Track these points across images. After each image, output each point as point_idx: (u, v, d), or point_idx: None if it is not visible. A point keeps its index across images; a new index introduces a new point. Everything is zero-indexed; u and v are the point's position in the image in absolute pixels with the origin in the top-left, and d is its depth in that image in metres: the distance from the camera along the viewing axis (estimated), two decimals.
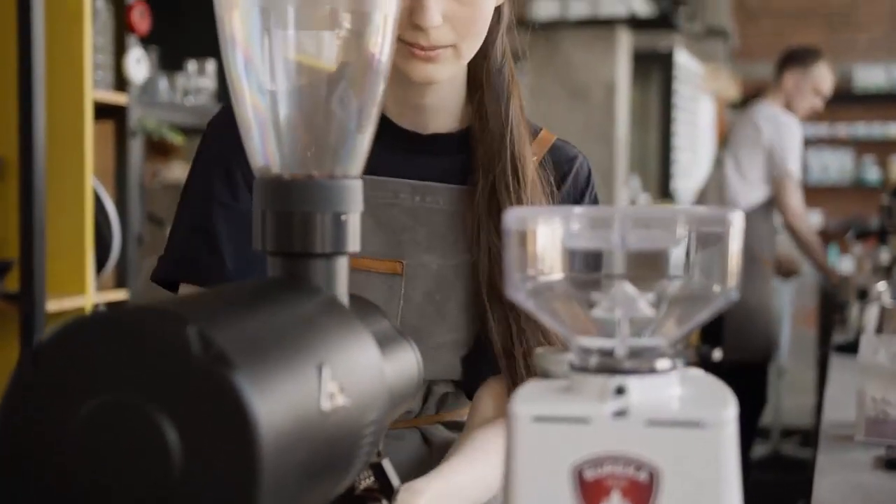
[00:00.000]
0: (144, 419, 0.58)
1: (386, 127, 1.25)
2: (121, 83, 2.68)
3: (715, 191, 4.38)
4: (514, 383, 1.19)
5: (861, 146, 10.00)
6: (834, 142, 10.02)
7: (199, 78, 2.99)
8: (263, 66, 0.79)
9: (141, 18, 2.65)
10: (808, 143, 10.05)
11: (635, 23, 5.46)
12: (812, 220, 10.01)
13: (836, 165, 10.02)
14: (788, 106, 4.22)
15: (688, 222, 0.68)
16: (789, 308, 6.09)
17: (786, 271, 4.62)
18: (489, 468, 1.17)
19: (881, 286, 3.13)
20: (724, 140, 4.66)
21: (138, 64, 2.66)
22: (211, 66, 3.02)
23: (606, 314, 0.70)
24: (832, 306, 4.88)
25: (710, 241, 0.69)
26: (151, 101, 2.82)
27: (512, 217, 0.69)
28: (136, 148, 2.68)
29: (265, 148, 0.81)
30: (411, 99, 1.25)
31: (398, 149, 1.25)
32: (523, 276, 0.70)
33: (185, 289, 1.23)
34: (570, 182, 1.30)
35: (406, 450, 1.26)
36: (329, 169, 0.81)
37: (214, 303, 0.69)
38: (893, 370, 2.06)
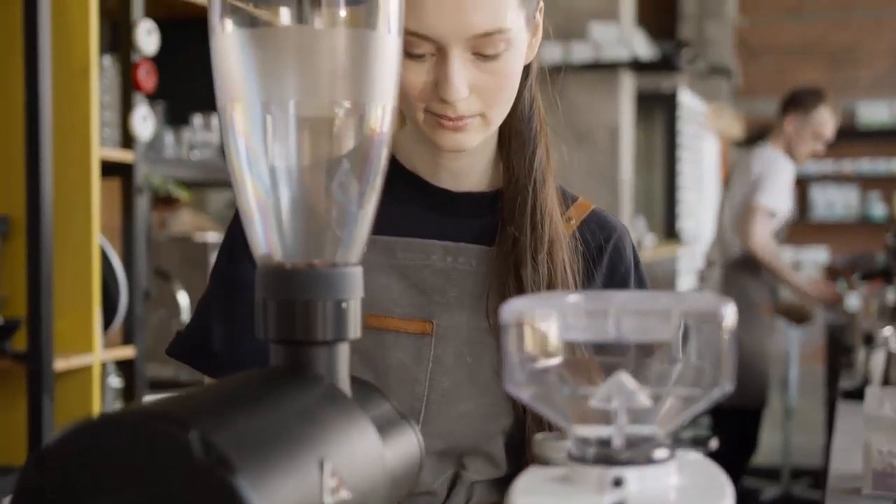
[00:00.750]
0: None
1: (420, 187, 1.25)
2: (127, 140, 2.70)
3: (719, 239, 4.41)
4: None
5: (866, 182, 10.02)
6: (839, 178, 10.05)
7: (204, 132, 3.02)
8: (264, 156, 0.81)
9: (147, 76, 2.68)
10: (813, 179, 10.08)
11: (638, 66, 5.50)
12: (818, 256, 10.02)
13: (841, 202, 10.04)
14: (789, 149, 4.23)
15: (682, 314, 0.69)
16: (797, 347, 6.08)
17: (797, 318, 4.62)
18: None
19: (887, 331, 3.11)
20: (727, 183, 4.68)
21: (144, 121, 2.68)
22: (216, 120, 3.05)
23: (604, 404, 0.71)
24: (839, 346, 4.86)
25: (704, 331, 0.70)
26: (157, 157, 2.85)
27: (508, 310, 0.71)
28: (142, 204, 2.71)
29: (267, 236, 0.82)
30: (443, 161, 1.24)
31: (432, 209, 1.24)
32: (521, 366, 0.71)
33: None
34: (609, 256, 1.26)
35: None
36: (331, 256, 0.82)
37: (216, 401, 0.70)
38: None
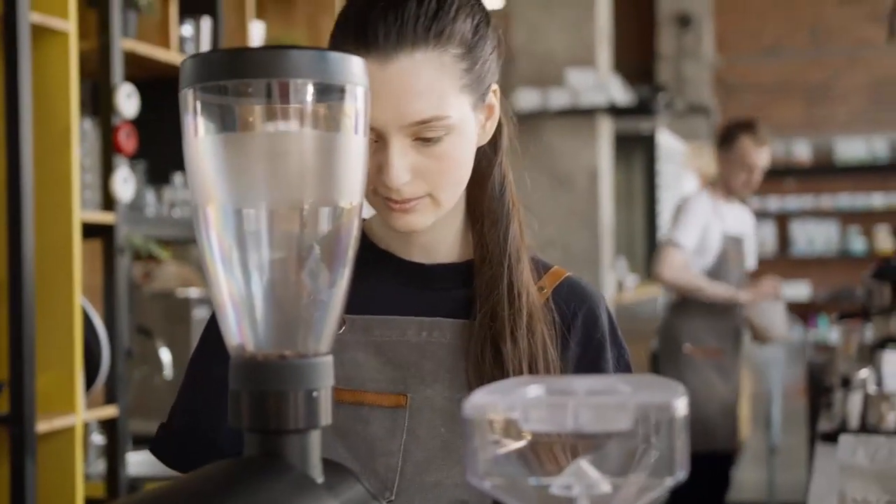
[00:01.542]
0: None
1: (394, 264, 1.27)
2: (108, 202, 2.73)
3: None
4: None
5: (845, 217, 10.11)
6: (818, 213, 10.13)
7: (185, 190, 3.05)
8: (237, 253, 0.84)
9: (127, 139, 2.71)
10: (794, 215, 10.17)
11: (615, 110, 5.57)
12: (799, 291, 10.08)
13: (821, 237, 10.12)
14: (726, 186, 4.22)
15: (636, 407, 0.72)
16: (780, 385, 6.12)
17: (759, 338, 4.63)
18: None
19: (863, 373, 3.14)
20: None
21: (125, 183, 2.72)
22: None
23: (565, 492, 0.74)
24: (820, 385, 4.90)
25: (657, 422, 0.73)
26: (139, 217, 2.88)
27: (470, 406, 0.74)
28: (123, 265, 2.73)
29: (240, 328, 0.85)
30: (412, 237, 1.26)
31: (407, 283, 1.26)
32: (483, 458, 0.74)
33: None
34: (583, 323, 1.27)
35: None
36: (302, 346, 0.85)
37: (189, 496, 0.73)
38: (873, 470, 2.09)
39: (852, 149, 9.99)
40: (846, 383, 3.40)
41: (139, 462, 2.85)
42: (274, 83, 0.82)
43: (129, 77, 2.84)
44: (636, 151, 7.17)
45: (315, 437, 0.84)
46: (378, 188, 1.17)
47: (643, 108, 5.84)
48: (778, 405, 6.09)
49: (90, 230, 2.69)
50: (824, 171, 10.09)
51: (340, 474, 0.91)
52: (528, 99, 5.41)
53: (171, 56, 2.99)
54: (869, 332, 4.16)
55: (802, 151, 10.12)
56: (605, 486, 0.74)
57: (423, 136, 1.13)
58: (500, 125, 1.29)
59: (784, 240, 10.26)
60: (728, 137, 4.18)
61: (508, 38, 5.65)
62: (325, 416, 0.84)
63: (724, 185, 4.20)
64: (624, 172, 7.07)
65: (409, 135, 1.14)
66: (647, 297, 6.84)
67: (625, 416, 0.73)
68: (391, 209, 1.18)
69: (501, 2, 6.12)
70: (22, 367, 2.42)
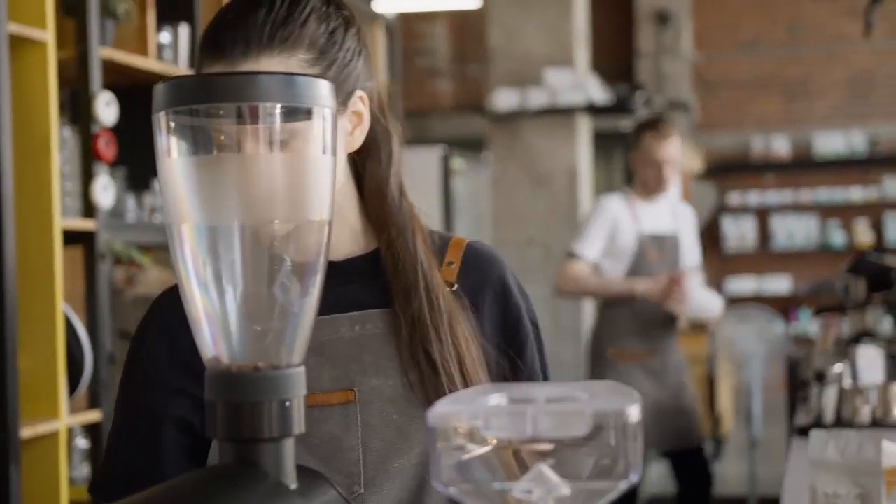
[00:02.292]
0: None
1: None
2: (89, 209, 2.75)
3: None
4: None
5: (825, 211, 10.18)
6: (798, 208, 10.20)
7: None
8: (210, 269, 0.87)
9: (107, 147, 2.74)
10: (774, 209, 10.24)
11: (594, 109, 5.61)
12: (780, 285, 10.16)
13: (801, 231, 10.19)
14: (643, 186, 4.19)
15: (593, 414, 0.76)
16: (759, 379, 6.18)
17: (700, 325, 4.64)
18: None
19: (838, 367, 3.18)
20: None
21: (105, 190, 2.74)
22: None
23: (526, 496, 0.78)
24: (797, 379, 4.95)
25: (611, 428, 0.77)
26: (119, 224, 2.90)
27: (434, 415, 0.77)
28: (104, 271, 2.76)
29: (214, 341, 0.88)
30: None
31: (324, 283, 1.32)
32: (446, 464, 0.78)
33: None
34: (497, 295, 1.33)
35: None
36: (275, 357, 0.88)
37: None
38: (843, 464, 2.13)
39: (831, 143, 10.07)
40: (821, 378, 3.44)
41: None
42: (244, 107, 0.85)
43: (108, 84, 2.86)
44: (615, 149, 7.22)
45: (289, 445, 0.87)
46: None
47: (621, 107, 5.89)
48: (758, 399, 6.14)
49: (71, 237, 2.71)
50: (803, 166, 10.16)
51: (313, 480, 0.95)
52: (506, 99, 5.45)
53: (150, 63, 3.01)
54: (847, 326, 4.21)
55: (781, 146, 10.19)
56: (564, 489, 0.77)
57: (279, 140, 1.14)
58: (387, 134, 1.32)
59: (764, 234, 10.32)
60: (634, 138, 4.20)
61: (486, 39, 5.69)
62: (298, 424, 0.87)
63: (640, 184, 4.20)
64: (603, 170, 7.12)
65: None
66: None
67: (582, 422, 0.76)
68: None
69: (478, 2, 6.16)
70: (5, 374, 2.44)
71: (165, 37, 3.13)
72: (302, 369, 0.88)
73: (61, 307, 2.59)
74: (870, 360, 3.38)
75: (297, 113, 0.87)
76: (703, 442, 4.41)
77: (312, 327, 1.27)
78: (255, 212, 0.87)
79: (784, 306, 9.85)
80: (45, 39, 2.57)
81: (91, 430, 2.84)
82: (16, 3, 2.53)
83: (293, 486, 0.86)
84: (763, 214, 10.30)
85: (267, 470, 0.86)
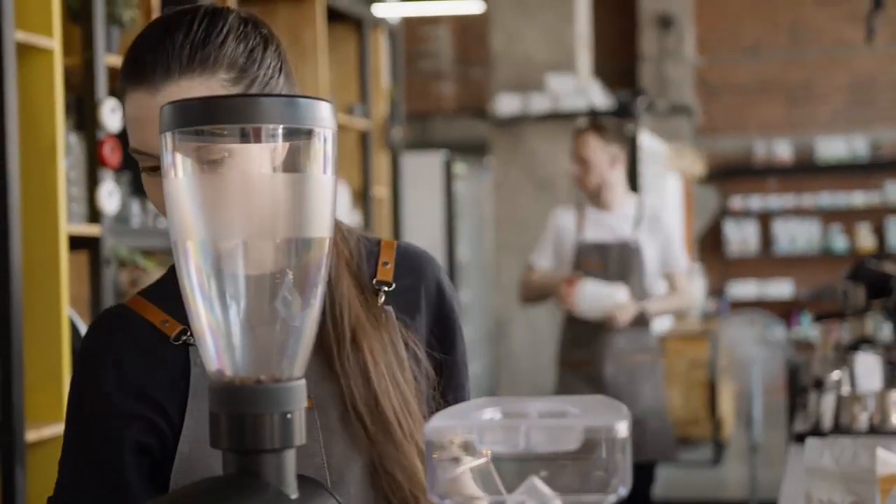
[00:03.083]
0: None
1: None
2: (94, 215, 2.78)
3: None
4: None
5: (827, 216, 10.21)
6: (800, 212, 10.22)
7: None
8: (215, 284, 0.90)
9: (112, 153, 2.77)
10: (776, 214, 10.26)
11: (596, 114, 5.64)
12: (782, 290, 10.18)
13: (803, 235, 10.21)
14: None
15: (583, 430, 0.79)
16: (759, 383, 6.20)
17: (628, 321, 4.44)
18: None
19: (836, 375, 3.19)
20: None
21: (110, 196, 2.77)
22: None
23: None
24: (797, 384, 4.97)
25: (601, 443, 0.79)
26: (124, 230, 2.93)
27: (430, 429, 0.80)
28: (109, 276, 2.79)
29: (217, 355, 0.91)
30: None
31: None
32: (442, 477, 0.80)
33: None
34: (433, 295, 1.35)
35: None
36: (277, 370, 0.91)
37: None
38: (838, 471, 2.16)
39: (833, 148, 10.09)
40: (819, 384, 3.47)
41: None
42: (248, 128, 0.88)
43: (113, 90, 2.89)
44: None
45: (290, 456, 0.90)
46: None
47: (623, 112, 5.91)
48: (759, 403, 6.16)
49: (76, 242, 2.74)
50: (805, 171, 10.19)
51: (314, 490, 0.98)
52: (508, 104, 5.48)
53: None
54: (846, 332, 4.23)
55: (784, 151, 10.21)
56: (556, 501, 0.80)
57: (208, 160, 1.10)
58: None
59: (766, 239, 10.35)
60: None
61: (488, 44, 5.72)
62: (300, 435, 0.90)
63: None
64: None
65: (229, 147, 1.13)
66: None
67: (573, 437, 0.79)
68: None
69: (481, 7, 6.18)
70: (11, 378, 2.47)
71: None
72: (303, 382, 0.91)
73: (66, 312, 2.62)
74: (868, 367, 3.39)
75: (298, 134, 0.90)
76: (664, 454, 4.27)
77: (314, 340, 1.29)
78: (258, 229, 0.89)
79: (786, 311, 9.88)
80: (52, 47, 2.60)
81: None
82: (23, 11, 2.56)
83: (294, 495, 0.89)
84: (765, 219, 10.33)
85: (268, 480, 0.88)
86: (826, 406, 3.04)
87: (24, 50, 2.57)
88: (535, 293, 4.25)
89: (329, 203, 0.92)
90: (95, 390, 1.25)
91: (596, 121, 4.24)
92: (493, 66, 5.68)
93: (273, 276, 0.90)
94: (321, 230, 0.91)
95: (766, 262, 10.33)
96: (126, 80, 1.20)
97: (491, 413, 0.83)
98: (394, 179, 4.86)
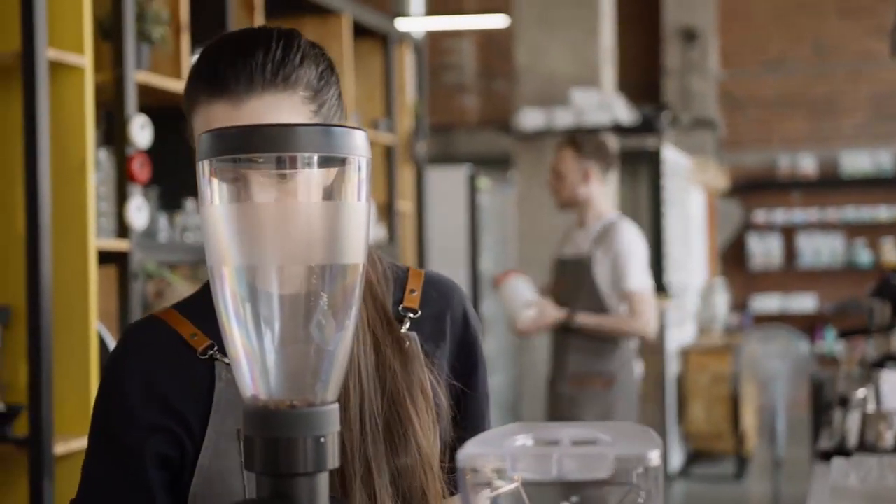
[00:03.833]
0: None
1: None
2: (123, 230, 2.81)
3: None
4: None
5: (851, 230, 10.16)
6: (825, 226, 10.18)
7: (197, 216, 3.14)
8: (250, 311, 0.91)
9: (141, 169, 2.80)
10: (800, 227, 10.23)
11: (620, 129, 5.64)
12: (806, 303, 10.13)
13: (827, 249, 10.17)
14: None
15: (615, 459, 0.80)
16: (783, 399, 6.18)
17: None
18: None
19: (861, 393, 3.18)
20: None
21: (139, 211, 2.80)
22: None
23: None
24: (822, 400, 4.95)
25: (637, 473, 0.80)
26: (152, 244, 2.96)
27: (463, 456, 0.81)
28: (137, 291, 2.81)
29: (252, 380, 0.92)
30: None
31: None
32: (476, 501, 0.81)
33: None
34: (458, 322, 1.37)
35: None
36: (310, 395, 0.92)
37: None
38: (863, 490, 2.15)
39: (857, 162, 10.05)
40: (845, 402, 3.45)
41: None
42: (284, 156, 0.90)
43: (142, 106, 2.92)
44: (641, 167, 7.23)
45: (323, 480, 0.91)
46: None
47: (647, 127, 5.91)
48: (782, 419, 6.14)
49: (105, 257, 2.77)
50: (830, 184, 10.14)
51: None
52: (532, 119, 5.49)
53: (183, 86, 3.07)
54: (872, 348, 4.20)
55: (808, 165, 10.18)
56: None
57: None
58: None
59: (790, 252, 10.31)
60: None
61: (512, 58, 5.73)
62: (332, 459, 0.91)
63: None
64: (629, 188, 7.13)
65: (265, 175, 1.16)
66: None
67: (605, 465, 0.80)
68: None
69: (505, 22, 6.20)
70: (40, 392, 2.49)
71: None
72: (335, 406, 0.92)
73: (95, 326, 2.64)
74: (894, 384, 3.38)
75: (333, 162, 0.91)
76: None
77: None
78: (293, 256, 0.91)
79: (809, 325, 9.83)
80: (83, 65, 2.63)
81: None
82: (55, 29, 2.59)
83: None
84: (789, 233, 10.29)
85: (301, 503, 0.89)
86: (851, 424, 3.03)
87: (55, 67, 2.60)
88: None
89: (363, 229, 0.93)
90: (121, 400, 1.26)
91: (575, 136, 4.23)
92: (518, 81, 5.69)
93: (307, 300, 0.91)
94: (355, 256, 0.92)
95: (790, 275, 10.28)
96: (202, 92, 1.22)
97: (523, 439, 0.84)
98: (418, 193, 4.88)
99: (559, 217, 5.61)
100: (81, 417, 2.59)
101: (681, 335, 7.63)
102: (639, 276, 4.02)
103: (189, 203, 3.17)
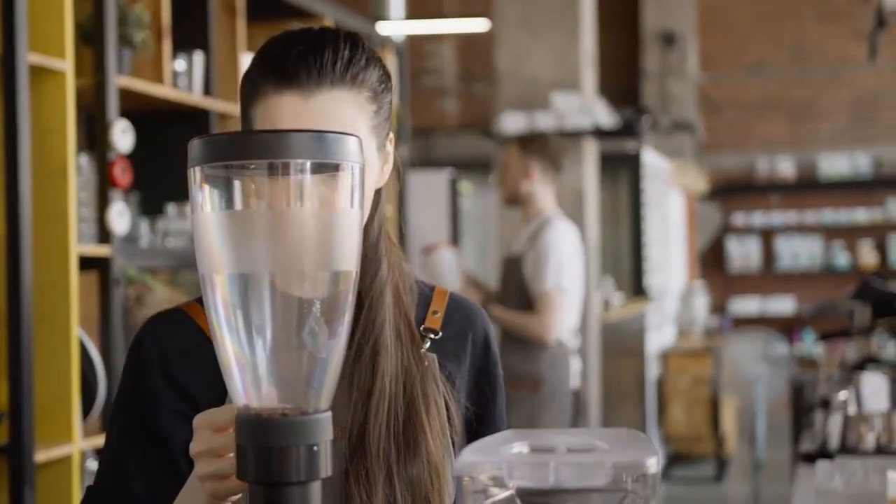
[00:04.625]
0: None
1: None
2: (104, 235, 2.79)
3: None
4: None
5: (829, 232, 10.21)
6: (803, 229, 10.22)
7: (178, 221, 3.12)
8: (242, 319, 0.91)
9: (122, 174, 2.78)
10: (778, 230, 10.27)
11: (600, 132, 5.65)
12: (784, 306, 10.17)
13: (805, 252, 10.21)
14: None
15: (612, 466, 0.79)
16: (763, 401, 6.19)
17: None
18: None
19: (843, 395, 3.19)
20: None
21: (120, 217, 2.78)
22: (189, 208, 3.14)
23: None
24: (802, 402, 4.96)
25: (633, 480, 0.80)
26: (133, 250, 2.94)
27: (460, 465, 0.80)
28: (118, 296, 2.80)
29: (244, 388, 0.92)
30: None
31: None
32: None
33: None
34: (479, 346, 1.38)
35: None
36: (303, 403, 0.91)
37: None
38: (849, 494, 2.16)
39: (835, 165, 10.10)
40: (826, 404, 3.46)
41: None
42: (276, 163, 0.89)
43: (124, 110, 2.90)
44: (621, 170, 7.25)
45: (315, 488, 0.90)
46: None
47: (628, 131, 5.92)
48: (762, 421, 6.16)
49: (86, 262, 2.75)
50: (808, 187, 10.19)
51: None
52: (513, 122, 5.49)
53: (165, 91, 3.06)
54: (851, 350, 4.23)
55: (786, 168, 10.22)
56: None
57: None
58: (396, 172, 1.37)
59: (769, 255, 10.35)
60: None
61: (493, 62, 5.73)
62: (326, 468, 0.90)
63: None
64: (609, 191, 7.15)
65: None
66: (633, 316, 6.91)
67: (602, 472, 0.79)
68: None
69: (486, 26, 6.20)
70: (21, 398, 2.47)
71: (181, 64, 3.17)
72: (328, 414, 0.91)
73: (76, 332, 2.63)
74: (874, 386, 3.39)
75: (325, 168, 0.90)
76: None
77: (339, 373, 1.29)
78: (285, 263, 0.90)
79: (787, 327, 9.87)
80: (64, 69, 2.61)
81: None
82: (36, 33, 2.57)
83: None
84: (767, 235, 10.33)
85: None
86: (833, 426, 3.04)
87: (36, 72, 2.58)
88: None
89: (356, 237, 0.92)
90: (142, 387, 1.27)
91: (526, 136, 4.26)
92: (498, 85, 5.70)
93: (299, 308, 0.91)
94: (348, 263, 0.92)
95: (768, 278, 10.32)
96: (269, 83, 1.21)
97: (519, 447, 0.83)
98: (399, 197, 4.86)
99: None
100: (62, 423, 2.58)
101: (660, 338, 7.65)
102: (552, 278, 3.90)
103: (170, 208, 3.15)
